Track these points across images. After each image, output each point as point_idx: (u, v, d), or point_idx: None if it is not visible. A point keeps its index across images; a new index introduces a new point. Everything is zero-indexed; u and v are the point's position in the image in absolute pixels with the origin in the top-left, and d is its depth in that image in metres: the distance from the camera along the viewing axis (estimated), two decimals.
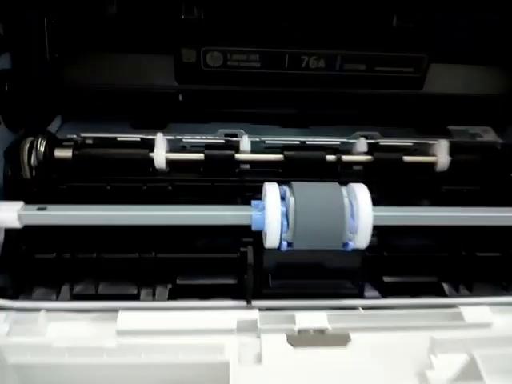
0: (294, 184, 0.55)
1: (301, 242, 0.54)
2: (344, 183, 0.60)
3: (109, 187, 0.62)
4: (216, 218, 0.56)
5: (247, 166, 0.70)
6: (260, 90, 0.70)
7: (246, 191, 0.65)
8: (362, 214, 0.53)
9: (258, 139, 0.70)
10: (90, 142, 0.69)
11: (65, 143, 0.67)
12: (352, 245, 0.55)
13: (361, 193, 0.55)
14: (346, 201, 0.55)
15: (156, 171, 0.67)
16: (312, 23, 0.68)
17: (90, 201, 0.58)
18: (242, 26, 0.67)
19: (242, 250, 0.60)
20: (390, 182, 0.69)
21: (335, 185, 0.56)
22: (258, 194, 0.61)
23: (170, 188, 0.63)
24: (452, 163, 0.71)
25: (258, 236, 0.57)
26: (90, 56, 0.69)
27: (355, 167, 0.72)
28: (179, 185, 0.65)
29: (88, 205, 0.55)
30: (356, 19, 0.68)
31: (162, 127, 0.74)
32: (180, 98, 0.71)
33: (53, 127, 0.73)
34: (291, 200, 0.54)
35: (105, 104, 0.73)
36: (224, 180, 0.66)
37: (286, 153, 0.69)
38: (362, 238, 0.54)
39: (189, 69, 0.67)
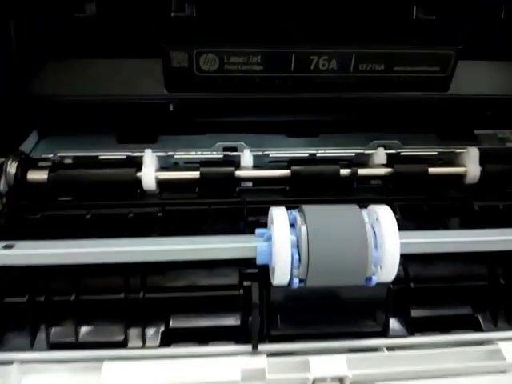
0: (306, 208, 0.48)
1: (315, 278, 0.47)
2: (361, 202, 0.54)
3: (89, 216, 0.54)
4: (214, 251, 0.48)
5: (249, 184, 0.62)
6: (263, 97, 0.61)
7: (249, 214, 0.57)
8: (387, 243, 0.46)
9: (261, 153, 0.62)
10: (69, 161, 0.61)
11: (40, 164, 0.59)
12: (376, 279, 0.48)
13: (385, 217, 0.48)
14: (368, 228, 0.47)
15: (145, 193, 0.59)
16: (321, 18, 0.59)
17: (67, 232, 0.51)
18: (241, 24, 0.58)
19: (245, 284, 0.52)
20: (414, 198, 0.61)
21: (354, 208, 0.49)
22: (262, 216, 0.54)
23: (160, 214, 0.55)
24: (483, 174, 0.63)
25: (265, 268, 0.49)
26: (67, 63, 0.60)
27: (373, 182, 0.64)
28: (171, 209, 0.57)
29: (63, 240, 0.47)
30: (371, 12, 0.59)
31: (151, 141, 0.65)
32: (171, 107, 0.63)
33: (27, 145, 0.65)
34: (303, 229, 0.46)
35: (86, 117, 0.64)
36: (223, 202, 0.58)
37: (293, 168, 0.61)
38: (387, 272, 0.47)
39: (180, 74, 0.58)
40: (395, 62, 0.59)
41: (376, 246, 0.47)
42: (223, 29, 0.57)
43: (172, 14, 0.60)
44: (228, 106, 0.64)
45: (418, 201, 0.61)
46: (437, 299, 0.55)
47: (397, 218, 0.48)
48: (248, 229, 0.54)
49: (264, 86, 0.59)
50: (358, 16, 0.59)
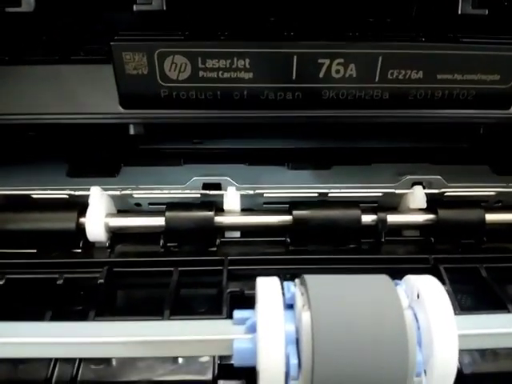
0: (310, 280, 0.33)
1: None
2: (392, 262, 0.44)
3: (2, 282, 0.39)
4: (169, 347, 0.32)
5: (236, 234, 0.46)
6: (254, 116, 0.46)
7: (232, 279, 0.41)
8: (438, 339, 0.31)
9: (251, 191, 0.46)
10: None
11: None
12: None
13: (433, 297, 0.34)
14: (409, 316, 0.31)
15: (91, 247, 0.44)
16: (334, 6, 0.44)
17: None
18: (222, 13, 0.43)
19: None
20: (467, 257, 0.44)
21: (384, 281, 0.34)
22: (250, 283, 0.38)
23: (101, 281, 0.39)
24: None
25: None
26: None
27: (408, 233, 0.48)
28: (120, 271, 0.41)
29: None
30: (405, 3, 0.44)
31: (111, 174, 0.50)
32: (131, 130, 0.48)
33: None
34: (305, 317, 0.31)
35: (22, 143, 0.50)
36: (195, 261, 0.42)
37: (296, 212, 0.46)
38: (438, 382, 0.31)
39: (137, 85, 0.43)
40: (438, 68, 0.43)
41: (420, 344, 0.31)
42: (197, 19, 0.43)
43: (134, 8, 0.45)
44: (208, 128, 0.49)
45: (472, 261, 0.45)
46: None
47: (446, 291, 0.33)
48: (227, 306, 0.37)
49: (255, 101, 0.43)
50: (385, 5, 0.44)
